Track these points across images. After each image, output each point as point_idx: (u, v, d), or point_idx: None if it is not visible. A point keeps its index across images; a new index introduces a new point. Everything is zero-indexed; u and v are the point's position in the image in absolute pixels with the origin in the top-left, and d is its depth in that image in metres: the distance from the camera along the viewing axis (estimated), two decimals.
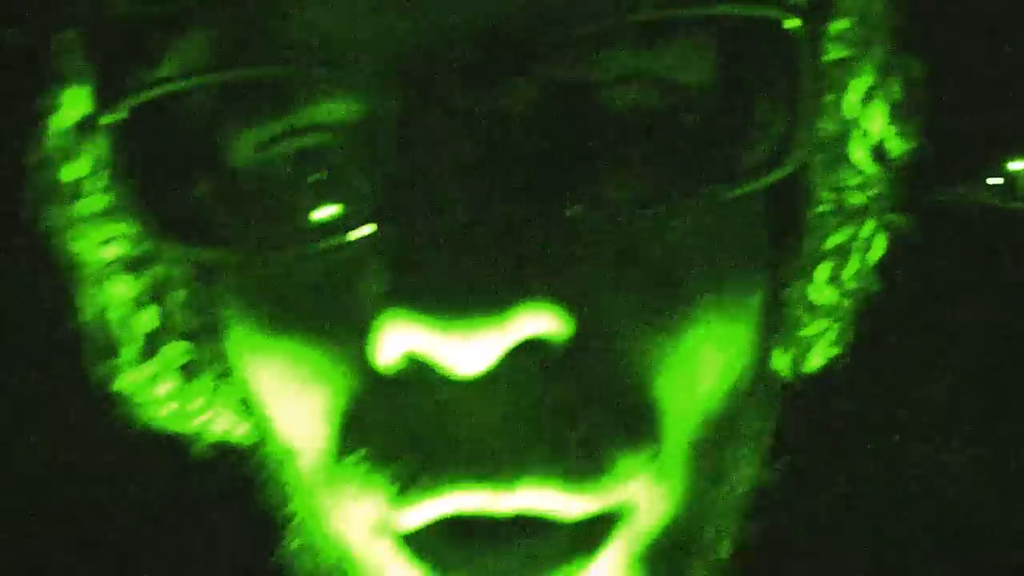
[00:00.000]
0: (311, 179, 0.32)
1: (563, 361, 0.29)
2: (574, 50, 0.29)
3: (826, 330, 0.47)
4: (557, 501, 0.30)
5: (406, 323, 0.27)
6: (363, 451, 0.31)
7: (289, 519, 0.39)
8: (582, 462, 0.29)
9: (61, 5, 0.36)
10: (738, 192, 0.31)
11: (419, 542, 0.32)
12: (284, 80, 0.31)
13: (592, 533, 0.31)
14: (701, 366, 0.32)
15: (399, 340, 0.28)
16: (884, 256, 0.47)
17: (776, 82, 0.30)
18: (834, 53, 0.39)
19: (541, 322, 0.28)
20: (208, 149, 0.32)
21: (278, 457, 0.37)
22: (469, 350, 0.27)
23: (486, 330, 0.27)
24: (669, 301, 0.31)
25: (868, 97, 0.41)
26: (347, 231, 0.30)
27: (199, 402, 0.47)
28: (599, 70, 0.30)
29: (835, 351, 0.48)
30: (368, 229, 0.29)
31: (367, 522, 0.32)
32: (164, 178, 0.33)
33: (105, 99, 0.33)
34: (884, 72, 0.41)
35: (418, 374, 0.29)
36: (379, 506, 0.31)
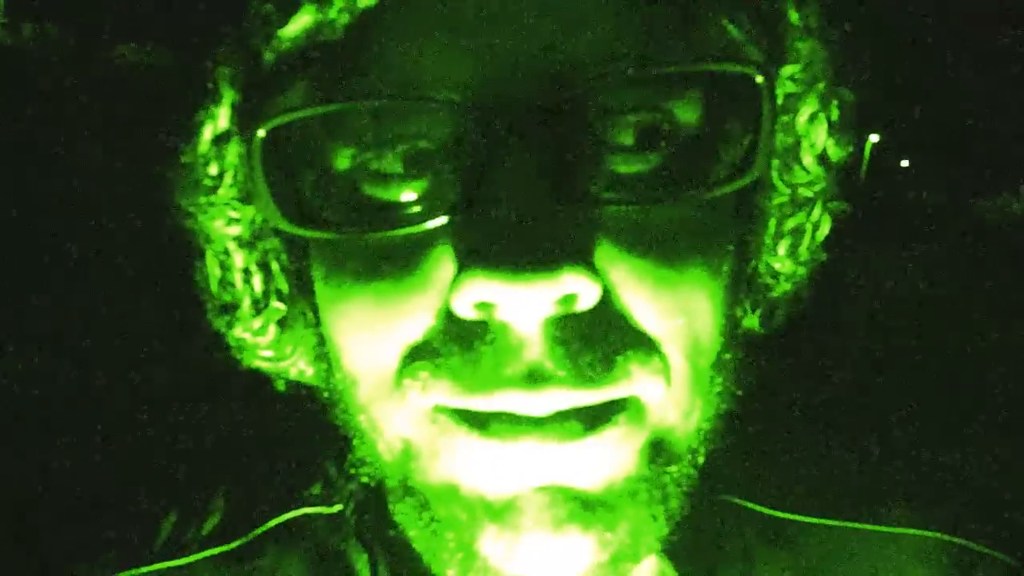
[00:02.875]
0: (403, 179, 0.45)
1: (592, 311, 0.43)
2: (603, 91, 0.42)
3: (786, 293, 0.61)
4: (581, 396, 0.44)
5: (484, 278, 0.40)
6: (429, 362, 0.45)
7: (350, 436, 0.54)
8: (598, 369, 0.43)
9: (211, 38, 0.47)
10: (715, 194, 0.45)
11: (471, 420, 0.46)
12: (385, 109, 0.44)
13: (604, 414, 0.45)
14: (695, 315, 0.47)
15: (475, 291, 0.41)
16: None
17: (745, 116, 0.44)
18: (788, 88, 0.52)
19: (580, 281, 0.41)
20: (321, 159, 0.46)
21: (344, 386, 0.51)
22: (528, 299, 0.40)
23: (540, 284, 0.39)
24: (669, 270, 0.45)
25: (813, 118, 0.53)
26: (428, 219, 0.43)
27: (288, 349, 0.60)
28: (618, 103, 0.44)
29: (795, 310, 0.62)
30: (446, 218, 0.43)
31: (424, 412, 0.47)
32: (289, 180, 0.45)
33: (244, 118, 0.48)
34: (825, 100, 0.53)
35: (483, 318, 0.42)
36: (440, 396, 0.45)
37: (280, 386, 0.64)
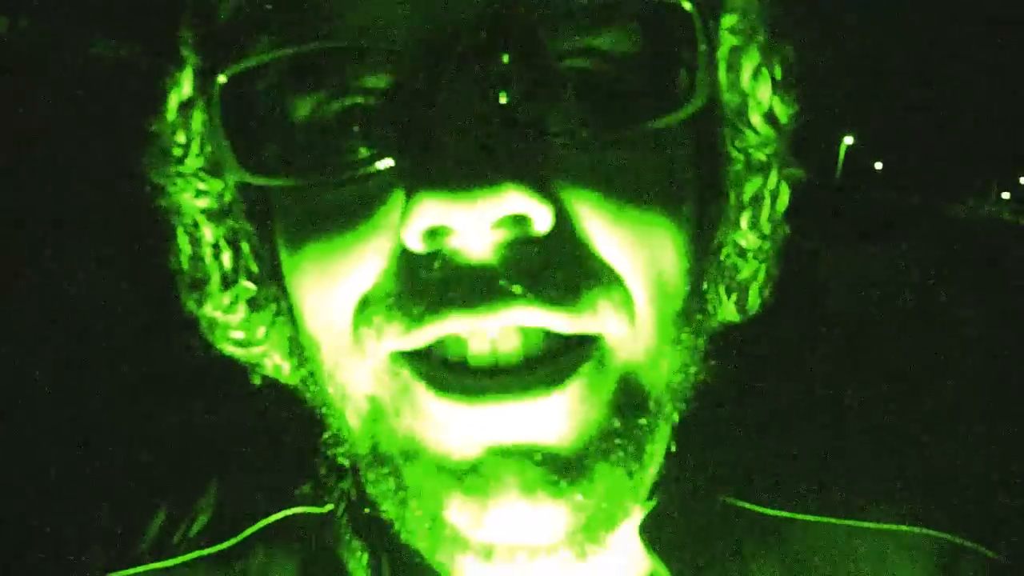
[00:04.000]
0: (355, 124, 0.46)
1: (548, 237, 0.43)
2: (544, 27, 0.44)
3: (756, 272, 0.61)
4: (541, 318, 0.43)
5: (429, 201, 0.40)
6: (382, 305, 0.45)
7: (323, 410, 0.53)
8: (561, 291, 0.43)
9: (171, 24, 0.49)
10: (660, 124, 0.46)
11: (429, 375, 0.45)
12: (333, 55, 0.45)
13: (569, 358, 0.45)
14: (658, 249, 0.47)
15: (423, 216, 0.41)
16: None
17: (681, 49, 0.45)
18: (729, 41, 0.53)
19: (526, 200, 0.41)
20: (279, 108, 0.47)
21: (310, 353, 0.51)
22: (473, 215, 0.40)
23: (485, 200, 0.40)
24: (627, 200, 0.46)
25: (756, 74, 0.54)
26: (381, 158, 0.44)
27: (260, 332, 0.60)
28: (559, 46, 0.45)
29: (767, 293, 0.61)
30: (398, 158, 0.44)
31: (383, 363, 0.46)
32: (247, 129, 0.47)
33: (206, 78, 0.50)
34: (766, 55, 0.54)
35: (433, 248, 0.42)
36: (394, 339, 0.45)
37: (256, 379, 0.63)
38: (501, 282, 0.42)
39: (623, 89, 0.47)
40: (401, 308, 0.44)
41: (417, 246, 0.43)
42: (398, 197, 0.45)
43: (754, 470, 0.67)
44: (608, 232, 0.45)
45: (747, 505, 0.65)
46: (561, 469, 0.44)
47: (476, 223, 0.41)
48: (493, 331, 0.44)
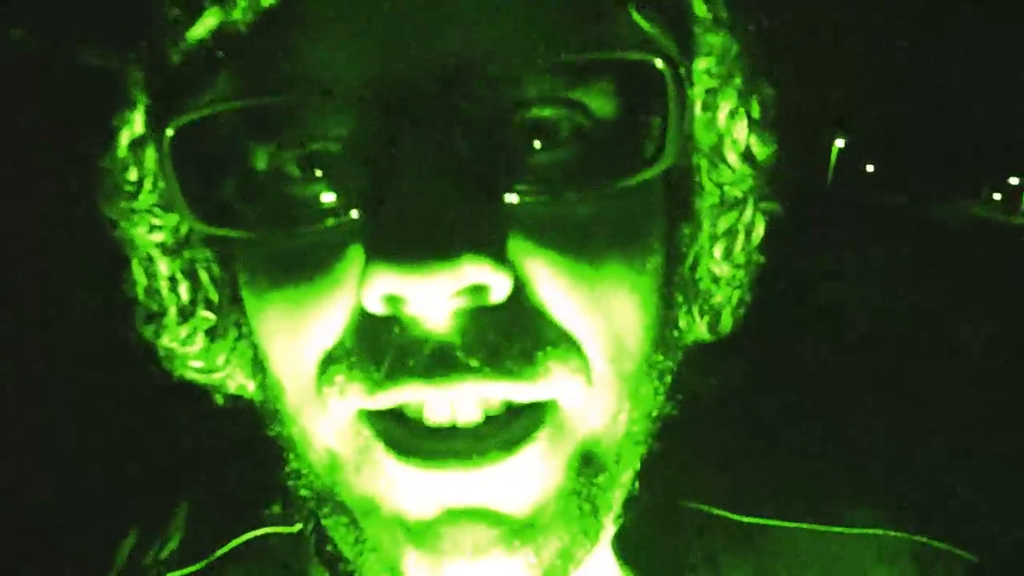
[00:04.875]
0: (311, 177, 0.45)
1: (505, 304, 0.42)
2: (508, 82, 0.42)
3: (729, 297, 0.61)
4: (498, 389, 0.43)
5: (386, 271, 0.40)
6: (344, 364, 0.44)
7: (286, 448, 0.52)
8: (517, 362, 0.43)
9: (133, 39, 0.48)
10: (626, 184, 0.45)
11: (389, 436, 0.45)
12: (289, 105, 0.44)
13: (525, 424, 0.44)
14: (616, 312, 0.46)
15: (379, 284, 0.40)
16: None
17: (653, 104, 0.44)
18: (705, 83, 0.52)
19: (483, 271, 0.40)
20: (233, 157, 0.45)
21: (273, 395, 0.50)
22: (430, 289, 0.40)
23: (440, 274, 0.39)
24: (587, 265, 0.44)
25: (733, 114, 0.54)
26: (338, 215, 0.43)
27: (220, 359, 0.59)
28: (522, 98, 0.43)
29: (739, 315, 0.62)
30: (355, 214, 0.43)
31: (345, 420, 0.46)
32: (200, 179, 0.45)
33: (156, 120, 0.48)
34: (744, 96, 0.54)
35: (393, 312, 0.42)
36: (356, 399, 0.44)
37: (219, 400, 0.63)
38: (459, 355, 0.42)
39: (589, 145, 0.45)
40: (363, 370, 0.44)
41: (376, 309, 0.42)
42: (356, 252, 0.44)
43: (725, 476, 0.68)
44: (565, 295, 0.45)
45: (719, 512, 0.66)
46: (515, 531, 0.45)
47: (432, 296, 0.40)
48: (450, 405, 0.45)
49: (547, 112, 0.45)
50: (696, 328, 0.61)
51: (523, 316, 0.44)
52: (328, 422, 0.47)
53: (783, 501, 0.67)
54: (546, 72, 0.44)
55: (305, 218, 0.45)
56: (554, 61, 0.44)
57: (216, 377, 0.61)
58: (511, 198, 0.43)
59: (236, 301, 0.56)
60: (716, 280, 0.60)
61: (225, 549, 0.65)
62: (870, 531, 0.67)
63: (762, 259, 0.60)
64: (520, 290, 0.43)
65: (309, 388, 0.47)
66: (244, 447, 0.68)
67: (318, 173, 0.45)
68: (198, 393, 0.63)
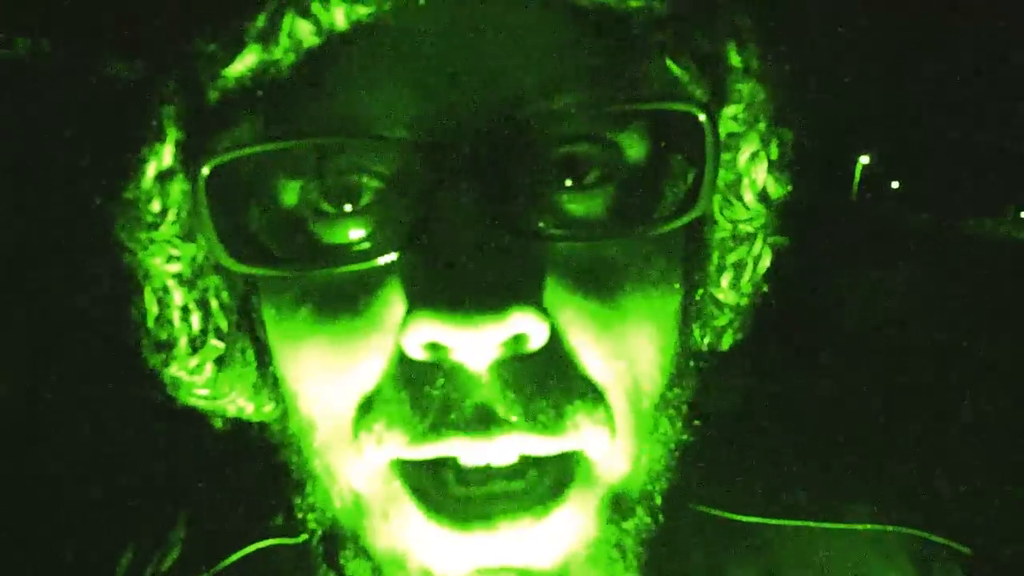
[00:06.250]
0: (349, 216, 0.45)
1: (541, 352, 0.43)
2: (550, 124, 0.43)
3: (731, 321, 0.63)
4: (532, 443, 0.44)
5: (431, 320, 0.40)
6: (383, 413, 0.44)
7: (303, 480, 0.52)
8: (550, 416, 0.44)
9: (166, 63, 0.46)
10: (662, 230, 0.45)
11: (421, 490, 0.45)
12: (327, 146, 0.44)
13: (558, 476, 0.46)
14: (637, 356, 0.47)
15: (425, 332, 0.40)
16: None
17: (689, 154, 0.46)
18: (730, 127, 0.53)
19: (528, 321, 0.41)
20: (268, 195, 0.46)
21: (299, 429, 0.50)
22: (477, 340, 0.40)
23: (489, 326, 0.39)
24: (614, 310, 0.45)
25: (754, 157, 0.55)
26: (377, 255, 0.43)
27: (225, 388, 0.59)
28: (566, 135, 0.45)
29: (739, 336, 0.64)
30: (395, 254, 0.43)
31: (377, 467, 0.46)
32: (234, 217, 0.45)
33: (189, 155, 0.47)
34: (765, 140, 0.55)
35: (434, 359, 0.42)
36: (394, 448, 0.44)
37: (218, 423, 0.63)
38: (498, 409, 0.43)
39: (625, 190, 0.47)
40: (404, 422, 0.45)
41: (417, 355, 0.43)
42: (395, 292, 0.44)
43: (724, 477, 0.69)
44: (593, 342, 0.46)
45: (720, 512, 0.67)
46: None
47: (477, 346, 0.41)
48: (487, 455, 0.45)
49: (585, 153, 0.46)
50: (697, 343, 0.63)
51: (555, 365, 0.45)
52: (359, 467, 0.48)
53: (783, 500, 0.68)
54: (592, 115, 0.45)
55: (342, 257, 0.45)
56: (604, 109, 0.45)
57: (219, 404, 0.61)
58: (550, 242, 0.44)
59: (244, 328, 0.57)
60: (720, 306, 0.62)
61: (230, 560, 0.65)
62: (872, 527, 0.68)
63: (766, 288, 0.62)
64: (554, 339, 0.44)
65: (344, 431, 0.47)
66: (243, 456, 0.68)
67: (357, 212, 0.46)
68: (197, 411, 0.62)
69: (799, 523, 0.68)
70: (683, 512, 0.66)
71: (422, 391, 0.44)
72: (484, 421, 0.43)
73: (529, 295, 0.42)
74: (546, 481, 0.46)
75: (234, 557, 0.65)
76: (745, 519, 0.68)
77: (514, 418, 0.43)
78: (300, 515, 0.56)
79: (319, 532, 0.61)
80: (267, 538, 0.66)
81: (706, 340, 0.63)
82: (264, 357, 0.56)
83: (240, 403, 0.61)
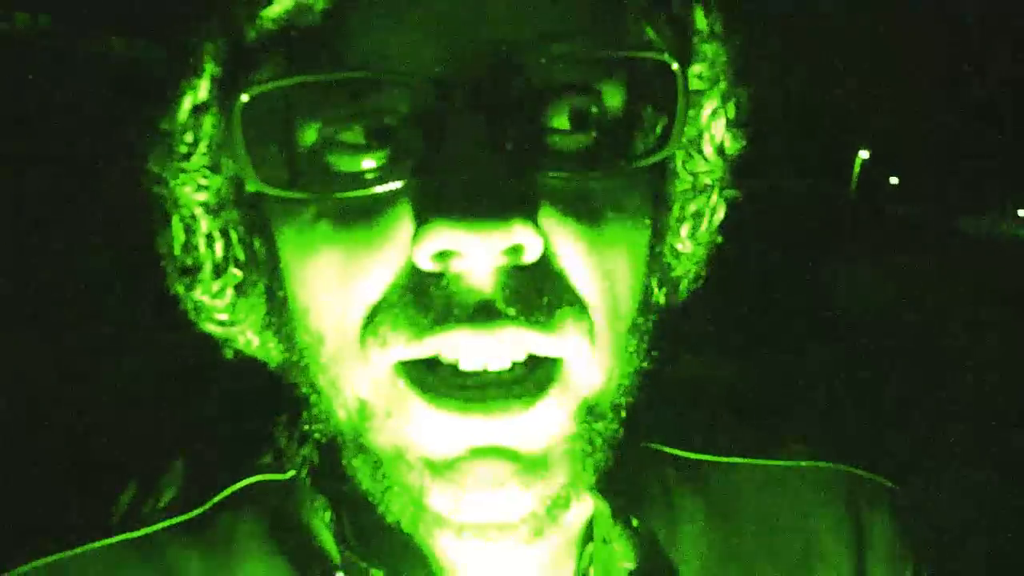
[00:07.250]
0: (367, 146, 0.50)
1: (535, 266, 0.49)
2: (549, 69, 0.49)
3: (688, 271, 0.69)
4: (528, 337, 0.49)
5: (444, 227, 0.45)
6: (389, 315, 0.50)
7: (308, 394, 0.57)
8: (544, 315, 0.49)
9: (197, 17, 0.51)
10: (640, 164, 0.53)
11: (425, 383, 0.51)
12: (350, 81, 0.49)
13: (543, 377, 0.52)
14: (616, 279, 0.53)
15: (437, 240, 0.46)
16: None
17: (662, 102, 0.52)
18: (694, 85, 0.59)
19: (527, 233, 0.46)
20: (297, 126, 0.51)
21: (307, 346, 0.55)
22: (485, 244, 0.46)
23: (496, 232, 0.45)
24: (597, 235, 0.52)
25: (714, 113, 0.61)
26: (392, 180, 0.49)
27: (242, 314, 0.64)
28: (562, 81, 0.51)
29: (695, 286, 0.70)
30: (408, 180, 0.49)
31: (383, 371, 0.51)
32: (265, 144, 0.50)
33: (225, 89, 0.52)
34: (725, 98, 0.61)
35: (441, 269, 0.48)
36: (399, 348, 0.50)
37: (228, 354, 0.68)
38: (498, 304, 0.48)
39: (608, 131, 0.53)
40: (408, 320, 0.49)
41: (427, 265, 0.48)
42: (406, 214, 0.49)
43: (679, 420, 0.77)
44: (580, 263, 0.52)
45: (670, 450, 0.75)
46: (529, 466, 0.52)
47: (485, 251, 0.46)
48: (486, 351, 0.50)
49: (578, 99, 0.52)
50: (656, 297, 0.68)
51: (547, 277, 0.50)
52: (365, 373, 0.52)
53: (728, 440, 0.76)
54: (582, 63, 0.51)
55: (360, 182, 0.50)
56: (593, 56, 0.52)
57: (234, 331, 0.66)
58: (544, 173, 0.50)
59: (256, 261, 0.62)
60: (678, 255, 0.68)
61: (221, 496, 0.69)
62: (807, 463, 0.76)
63: (720, 239, 0.68)
64: (545, 255, 0.50)
65: (352, 340, 0.52)
66: (234, 403, 0.74)
67: (374, 142, 0.51)
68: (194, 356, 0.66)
69: (741, 460, 0.75)
70: (641, 450, 0.73)
71: (427, 293, 0.49)
72: (485, 312, 0.48)
73: (529, 211, 0.47)
74: (532, 379, 0.51)
75: (226, 492, 0.69)
76: (693, 456, 0.74)
77: (512, 312, 0.48)
78: (304, 428, 0.62)
79: (311, 461, 0.67)
80: (256, 475, 0.70)
81: (663, 291, 0.69)
82: (274, 286, 0.60)
83: (248, 335, 0.66)
